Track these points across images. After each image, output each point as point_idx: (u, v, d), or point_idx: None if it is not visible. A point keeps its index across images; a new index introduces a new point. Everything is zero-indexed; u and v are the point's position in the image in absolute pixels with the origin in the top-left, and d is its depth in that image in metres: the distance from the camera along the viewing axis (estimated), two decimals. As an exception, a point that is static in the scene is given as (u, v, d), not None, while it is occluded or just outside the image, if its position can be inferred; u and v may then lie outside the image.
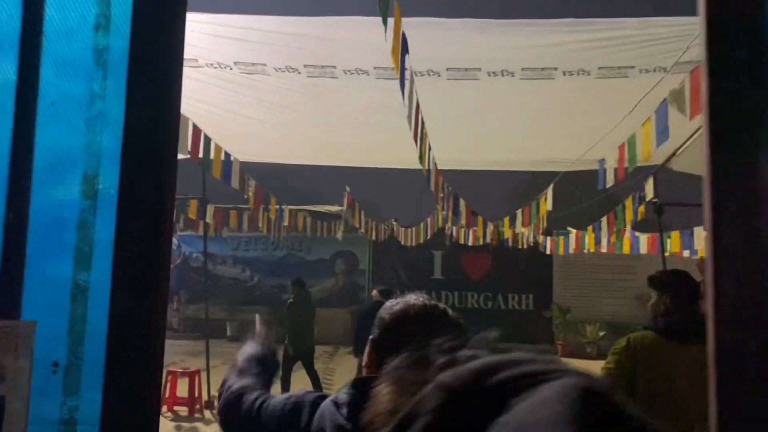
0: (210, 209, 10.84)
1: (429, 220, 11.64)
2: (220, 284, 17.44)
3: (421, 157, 4.65)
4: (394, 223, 15.65)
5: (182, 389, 8.13)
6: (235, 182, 6.99)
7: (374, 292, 7.85)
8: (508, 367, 0.49)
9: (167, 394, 8.08)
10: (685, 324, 2.88)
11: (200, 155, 5.77)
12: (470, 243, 13.51)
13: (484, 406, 0.44)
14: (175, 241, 18.11)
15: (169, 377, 8.15)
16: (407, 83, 3.51)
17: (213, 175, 6.36)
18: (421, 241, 12.69)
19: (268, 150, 7.53)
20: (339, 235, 13.96)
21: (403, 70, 3.05)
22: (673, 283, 3.05)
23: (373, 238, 14.11)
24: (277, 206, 10.73)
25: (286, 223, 11.36)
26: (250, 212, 11.98)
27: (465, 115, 5.88)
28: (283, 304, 17.00)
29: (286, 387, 8.99)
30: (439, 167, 6.97)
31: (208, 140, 5.98)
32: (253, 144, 7.22)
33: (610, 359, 3.03)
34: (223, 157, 6.56)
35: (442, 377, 0.48)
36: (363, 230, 11.43)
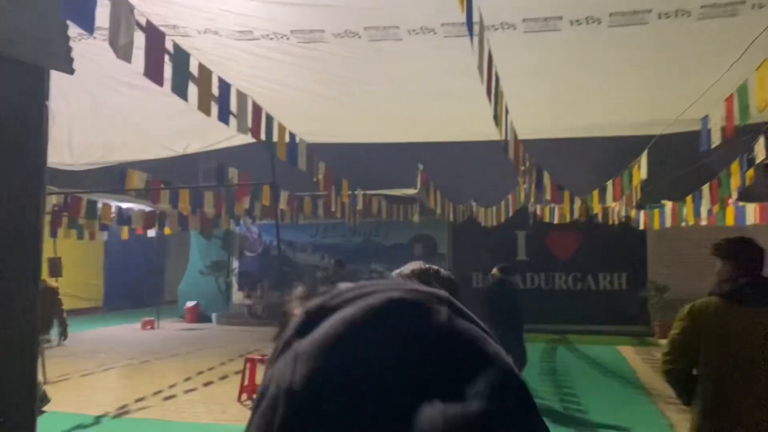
0: (284, 196, 10.70)
1: (510, 197, 11.01)
2: (300, 272, 17.49)
3: (496, 118, 4.16)
4: (473, 203, 15.09)
5: (261, 377, 8.01)
6: (302, 164, 6.72)
7: (494, 270, 7.82)
8: (353, 290, 0.52)
9: (246, 382, 7.99)
10: (750, 288, 2.95)
11: (263, 135, 5.51)
12: (556, 221, 12.78)
13: (323, 321, 0.48)
14: (255, 229, 18.31)
15: (248, 365, 8.05)
16: (476, 30, 3.04)
17: (278, 157, 6.09)
18: (502, 220, 12.05)
19: (334, 129, 7.21)
20: (416, 218, 13.56)
21: (470, 6, 2.59)
22: (737, 250, 3.10)
23: (451, 219, 13.61)
24: (350, 191, 10.45)
25: (360, 208, 11.05)
26: (324, 198, 11.80)
27: (545, 75, 5.32)
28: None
29: None
30: (519, 137, 6.42)
31: (270, 119, 5.71)
32: (318, 123, 6.92)
33: (675, 326, 3.18)
34: (287, 137, 6.28)
35: (308, 303, 0.52)
36: (439, 212, 10.92)
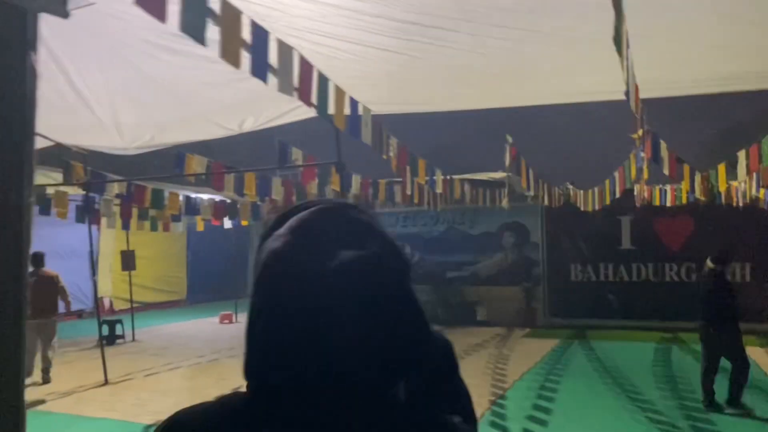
0: (355, 180, 9.84)
1: (617, 175, 9.59)
2: (380, 264, 16.66)
3: (618, 40, 3.02)
4: (570, 186, 13.70)
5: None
6: (366, 137, 5.78)
7: (708, 262, 7.18)
8: (305, 204, 0.84)
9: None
10: None
11: (314, 99, 4.60)
12: (668, 203, 11.23)
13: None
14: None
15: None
16: None
17: (337, 127, 5.18)
18: (607, 202, 10.59)
19: (405, 94, 6.23)
20: (505, 203, 12.37)
21: None
22: None
23: (545, 203, 12.28)
24: (427, 176, 9.41)
25: (439, 191, 9.99)
26: (401, 183, 10.84)
27: (676, 4, 4.09)
28: (447, 283, 15.89)
29: None
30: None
31: (324, 80, 4.79)
32: (383, 89, 5.97)
33: None
34: (348, 106, 5.35)
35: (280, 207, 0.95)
36: (531, 194, 9.58)
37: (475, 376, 8.90)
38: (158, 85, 5.84)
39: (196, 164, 8.29)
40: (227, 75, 5.67)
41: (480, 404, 7.63)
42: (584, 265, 14.69)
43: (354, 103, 5.48)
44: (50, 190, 10.28)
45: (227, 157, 9.23)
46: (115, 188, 9.59)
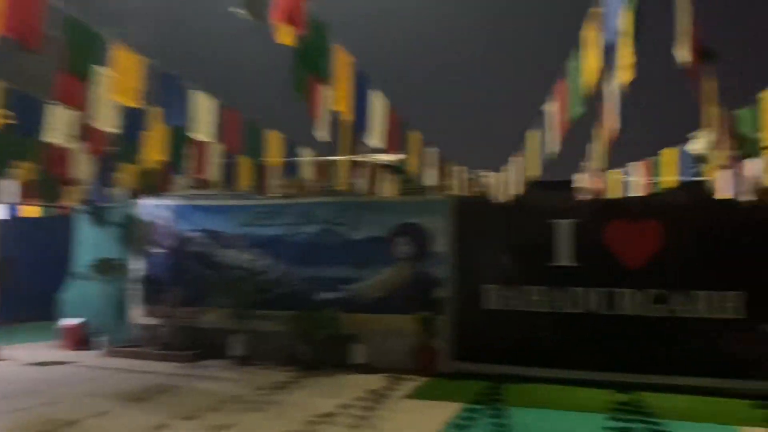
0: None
1: (555, 120, 5.27)
2: (225, 277, 12.10)
3: None
4: (482, 174, 9.65)
5: None
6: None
7: None
8: None
9: None
10: None
11: None
12: (631, 194, 7.25)
13: None
14: (164, 213, 13.01)
15: None
16: None
17: None
18: (534, 182, 6.33)
19: None
20: (387, 190, 8.09)
21: None
22: None
23: (442, 190, 8.09)
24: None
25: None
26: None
27: None
28: (314, 308, 11.59)
29: None
30: None
31: None
32: None
33: None
34: None
35: None
36: (427, 183, 5.16)
37: None
38: None
39: None
40: None
41: None
42: (509, 287, 10.60)
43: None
44: None
45: None
46: None
